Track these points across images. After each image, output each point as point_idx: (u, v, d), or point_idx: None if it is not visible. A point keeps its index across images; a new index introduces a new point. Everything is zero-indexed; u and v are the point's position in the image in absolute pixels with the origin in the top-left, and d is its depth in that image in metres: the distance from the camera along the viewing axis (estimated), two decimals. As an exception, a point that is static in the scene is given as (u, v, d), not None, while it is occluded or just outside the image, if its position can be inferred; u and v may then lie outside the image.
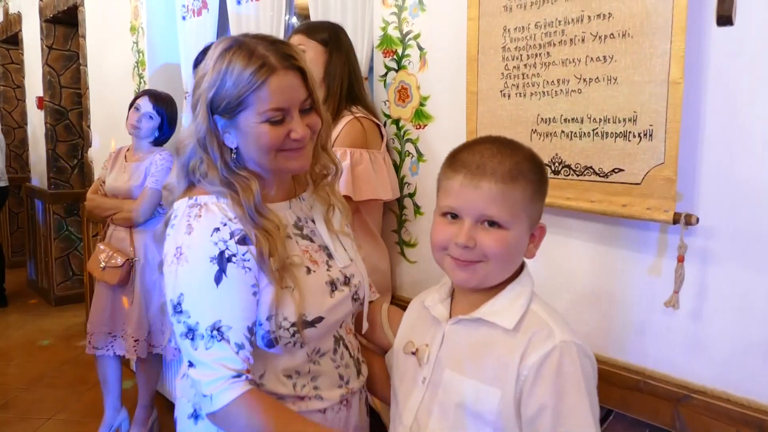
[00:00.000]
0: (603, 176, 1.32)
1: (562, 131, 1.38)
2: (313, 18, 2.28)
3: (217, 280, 1.05)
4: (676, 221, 1.20)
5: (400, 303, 1.86)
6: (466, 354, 1.04)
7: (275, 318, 1.09)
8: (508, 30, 1.47)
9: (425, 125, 1.81)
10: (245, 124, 1.09)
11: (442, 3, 1.71)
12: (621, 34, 1.26)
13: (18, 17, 5.40)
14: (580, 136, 1.35)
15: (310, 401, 1.17)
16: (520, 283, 1.05)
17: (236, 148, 1.13)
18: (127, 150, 2.92)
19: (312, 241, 1.22)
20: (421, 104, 1.81)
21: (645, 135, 1.24)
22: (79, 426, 3.14)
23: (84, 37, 4.08)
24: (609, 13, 1.27)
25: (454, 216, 1.02)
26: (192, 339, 1.06)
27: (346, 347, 1.26)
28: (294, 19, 3.19)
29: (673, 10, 1.17)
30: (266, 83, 1.06)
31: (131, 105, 2.82)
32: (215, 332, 1.05)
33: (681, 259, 1.21)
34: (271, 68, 1.06)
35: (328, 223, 1.26)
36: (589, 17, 1.31)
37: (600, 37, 1.29)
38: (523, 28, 1.44)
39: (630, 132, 1.26)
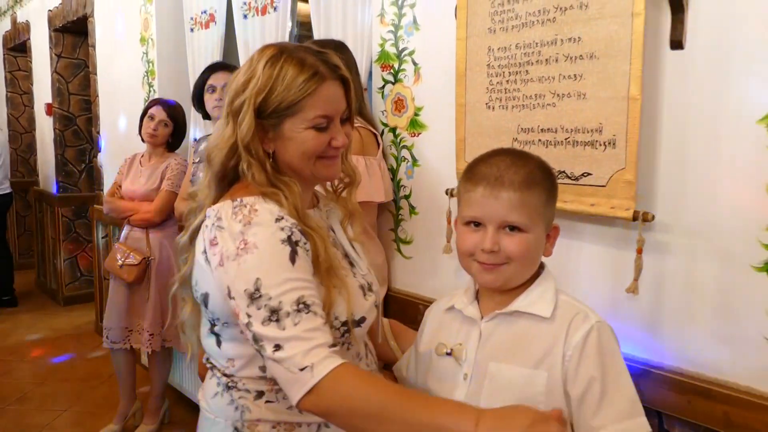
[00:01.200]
0: (574, 179, 1.50)
1: (539, 140, 1.57)
2: (316, 34, 2.47)
3: (292, 259, 1.05)
4: (635, 218, 1.38)
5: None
6: (509, 345, 1.10)
7: (328, 318, 1.08)
8: (492, 50, 1.66)
9: (419, 133, 2.00)
10: (290, 129, 1.13)
11: (434, 24, 1.89)
12: (589, 55, 1.44)
13: (26, 26, 5.58)
14: (555, 145, 1.53)
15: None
16: (546, 278, 1.15)
17: (272, 153, 1.16)
18: (142, 156, 3.10)
19: (337, 248, 1.23)
20: (416, 114, 2.00)
21: (609, 144, 1.42)
22: (93, 417, 3.31)
23: (93, 46, 4.26)
24: (579, 37, 1.46)
25: (477, 224, 1.10)
26: (277, 320, 1.00)
27: (370, 352, 1.28)
28: (296, 30, 3.37)
29: (632, 36, 1.35)
30: (318, 90, 1.11)
31: (144, 114, 3.00)
32: (301, 305, 1.02)
33: (639, 251, 1.40)
34: (322, 77, 1.11)
35: (345, 231, 1.30)
36: (562, 40, 1.49)
37: (571, 58, 1.48)
38: (505, 48, 1.63)
39: (597, 141, 1.44)
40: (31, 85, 5.79)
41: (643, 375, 1.44)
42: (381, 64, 2.10)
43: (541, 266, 1.18)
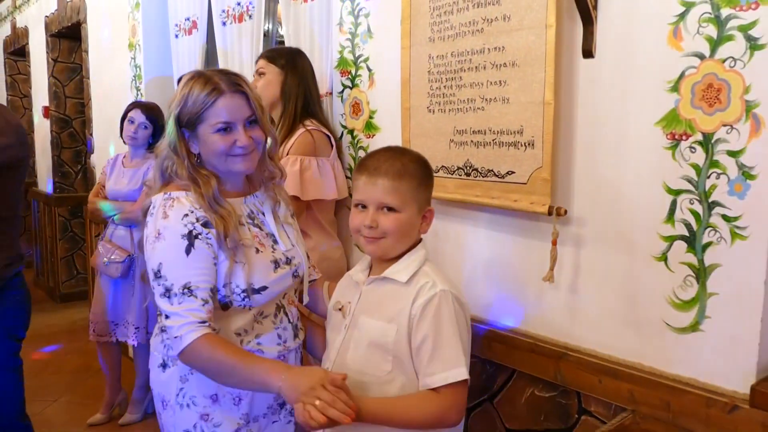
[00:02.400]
0: (501, 177, 1.63)
1: (471, 141, 1.69)
2: (287, 41, 2.60)
3: (187, 251, 1.36)
4: (550, 213, 1.51)
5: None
6: (375, 303, 1.41)
7: (229, 285, 1.41)
8: (432, 57, 1.79)
9: (374, 135, 2.13)
10: (202, 134, 1.43)
11: (385, 32, 2.02)
12: (511, 63, 1.57)
13: (25, 31, 5.75)
14: (484, 145, 1.66)
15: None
16: (415, 252, 1.43)
17: (198, 154, 1.47)
18: (124, 157, 3.23)
19: (261, 229, 1.53)
20: (371, 117, 2.13)
21: (529, 144, 1.55)
22: (81, 407, 3.46)
23: (87, 51, 4.41)
24: (503, 47, 1.58)
25: (363, 207, 1.39)
26: (168, 297, 1.35)
27: (286, 314, 1.56)
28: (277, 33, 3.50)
29: (546, 45, 1.48)
30: (216, 102, 1.40)
31: (124, 117, 3.15)
32: (186, 290, 1.35)
33: (554, 243, 1.52)
34: (220, 91, 1.40)
35: (275, 215, 1.57)
36: (489, 49, 1.62)
37: (497, 66, 1.60)
38: (442, 56, 1.75)
39: (518, 142, 1.57)
40: (30, 88, 5.95)
41: (563, 358, 1.57)
42: (340, 69, 2.23)
43: (418, 242, 1.45)
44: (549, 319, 1.63)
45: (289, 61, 2.15)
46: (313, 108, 2.15)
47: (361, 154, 2.18)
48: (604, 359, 1.50)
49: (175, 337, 1.34)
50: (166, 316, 1.36)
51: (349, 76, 2.19)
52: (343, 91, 2.23)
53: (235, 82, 1.43)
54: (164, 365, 1.50)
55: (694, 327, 1.34)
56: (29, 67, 5.87)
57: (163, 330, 1.49)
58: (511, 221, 1.68)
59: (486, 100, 1.64)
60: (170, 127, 1.44)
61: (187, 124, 1.43)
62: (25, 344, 4.18)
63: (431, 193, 1.46)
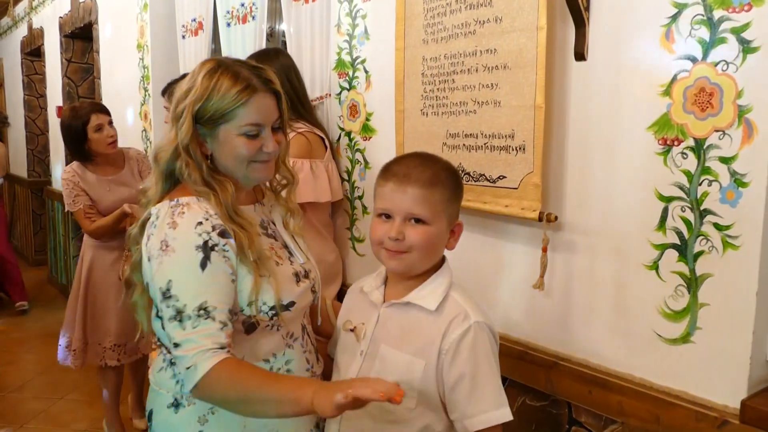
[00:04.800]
0: (492, 182, 1.60)
1: (464, 144, 1.66)
2: (289, 42, 2.59)
3: (203, 265, 1.16)
4: (540, 219, 1.47)
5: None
6: (398, 331, 1.24)
7: (255, 303, 1.22)
8: (426, 59, 1.76)
9: (370, 137, 2.10)
10: (224, 135, 1.24)
11: (381, 33, 2.00)
12: (503, 66, 1.54)
13: (40, 32, 5.81)
14: (476, 149, 1.63)
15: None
16: (441, 274, 1.27)
17: (211, 155, 1.27)
18: (83, 171, 2.99)
19: (275, 239, 1.36)
20: (367, 119, 2.10)
21: (520, 149, 1.51)
22: (85, 405, 3.49)
23: (98, 52, 4.45)
24: (495, 49, 1.55)
25: (387, 216, 1.23)
26: (180, 321, 1.14)
27: (308, 335, 1.40)
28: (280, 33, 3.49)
29: (537, 48, 1.45)
30: (249, 101, 1.22)
31: (78, 131, 2.91)
32: (202, 311, 1.14)
33: (544, 250, 1.49)
34: (254, 89, 1.23)
35: (286, 225, 1.41)
36: (481, 51, 1.59)
37: (488, 68, 1.57)
38: (436, 58, 1.73)
39: (510, 146, 1.54)
40: (45, 88, 6.02)
41: (553, 367, 1.53)
42: (338, 71, 2.21)
43: (443, 260, 1.29)
44: (540, 326, 1.60)
45: (265, 62, 2.13)
46: (302, 108, 2.12)
47: (358, 156, 2.16)
48: (594, 369, 1.46)
49: (188, 368, 1.12)
50: (176, 345, 1.15)
51: (347, 78, 2.17)
52: (340, 93, 2.21)
53: (267, 79, 1.26)
54: (176, 404, 1.28)
55: (685, 338, 1.30)
56: (44, 67, 5.93)
57: (173, 363, 1.28)
58: (503, 226, 1.65)
59: (478, 103, 1.61)
60: (185, 123, 1.23)
61: (207, 121, 1.23)
62: (36, 341, 4.21)
63: (460, 206, 1.30)
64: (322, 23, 2.39)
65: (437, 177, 1.22)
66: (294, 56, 2.54)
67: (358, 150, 2.16)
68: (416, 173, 1.21)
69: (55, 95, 5.62)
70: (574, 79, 1.47)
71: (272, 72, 1.30)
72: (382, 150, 2.05)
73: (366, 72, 2.09)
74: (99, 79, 4.49)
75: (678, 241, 1.30)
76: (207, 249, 1.18)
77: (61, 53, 5.28)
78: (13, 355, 4.29)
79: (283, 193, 1.43)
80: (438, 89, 1.73)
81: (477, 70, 1.60)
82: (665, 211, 1.31)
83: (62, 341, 3.07)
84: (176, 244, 1.18)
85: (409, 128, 1.84)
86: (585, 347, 1.50)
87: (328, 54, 2.29)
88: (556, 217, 1.47)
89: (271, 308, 1.24)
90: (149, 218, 1.26)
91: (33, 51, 6.28)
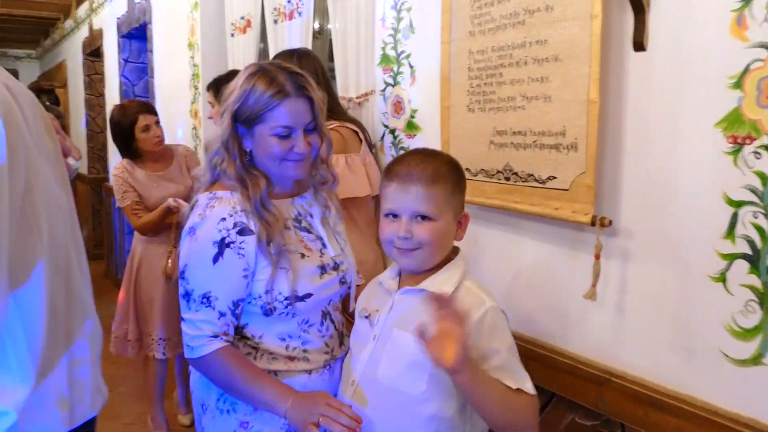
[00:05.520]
0: (541, 183, 1.49)
1: (511, 142, 1.56)
2: (334, 38, 2.53)
3: (215, 260, 1.30)
4: (593, 223, 1.36)
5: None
6: (411, 316, 1.25)
7: (272, 292, 1.34)
8: (472, 53, 1.66)
9: (415, 135, 2.02)
10: (259, 134, 1.35)
11: (427, 26, 1.91)
12: (554, 58, 1.43)
13: (99, 33, 5.96)
14: (525, 147, 1.52)
15: (299, 362, 1.40)
16: (455, 264, 1.30)
17: (250, 152, 1.39)
18: (134, 167, 3.02)
19: (309, 232, 1.45)
20: (412, 116, 2.02)
21: (571, 147, 1.40)
22: (133, 398, 3.52)
23: (152, 51, 4.51)
24: (545, 40, 1.44)
25: (395, 216, 1.27)
26: (187, 301, 1.33)
27: (332, 321, 1.49)
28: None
29: (591, 38, 1.33)
30: (280, 105, 1.32)
31: (126, 130, 2.95)
32: (204, 300, 1.31)
33: (597, 257, 1.37)
34: (285, 93, 1.32)
35: (324, 220, 1.49)
36: (530, 43, 1.48)
37: (538, 61, 1.47)
38: (483, 51, 1.63)
39: (560, 144, 1.43)
40: (104, 87, 6.17)
41: (605, 384, 1.42)
42: (382, 66, 2.14)
43: (456, 252, 1.33)
44: (592, 339, 1.48)
45: (296, 63, 2.08)
46: (331, 105, 2.05)
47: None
48: (651, 389, 1.34)
49: (187, 345, 1.34)
50: (182, 319, 1.35)
51: (391, 73, 2.09)
52: (385, 89, 2.14)
53: (301, 85, 1.34)
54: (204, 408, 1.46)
55: (756, 360, 1.17)
56: (103, 67, 6.08)
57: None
58: (553, 230, 1.53)
59: (527, 98, 1.50)
60: (225, 121, 1.36)
61: (245, 121, 1.35)
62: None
63: (464, 197, 1.32)
64: (368, 18, 2.32)
65: (438, 172, 1.25)
66: (339, 52, 2.50)
67: (402, 148, 2.08)
68: (418, 171, 1.24)
69: (113, 94, 5.74)
70: (632, 72, 1.35)
71: (310, 78, 1.38)
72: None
73: (411, 67, 2.00)
74: (152, 78, 4.55)
75: (749, 251, 1.16)
76: (222, 245, 1.31)
77: (118, 53, 5.39)
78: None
79: (324, 191, 1.51)
80: (485, 84, 1.63)
81: (526, 63, 1.50)
82: (735, 217, 1.18)
83: (116, 332, 3.11)
84: (199, 234, 1.32)
85: (455, 125, 1.75)
86: (641, 364, 1.38)
87: (372, 49, 2.21)
88: (610, 222, 1.35)
89: (286, 298, 1.34)
90: (195, 203, 1.40)
91: (93, 51, 6.44)
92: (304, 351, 1.41)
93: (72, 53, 7.45)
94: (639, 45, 1.32)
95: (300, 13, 2.83)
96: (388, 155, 2.15)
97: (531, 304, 1.62)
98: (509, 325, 1.27)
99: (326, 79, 2.12)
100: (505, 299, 1.64)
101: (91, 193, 7.04)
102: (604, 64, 1.33)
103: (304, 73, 1.38)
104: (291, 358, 1.40)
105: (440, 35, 1.76)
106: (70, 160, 4.95)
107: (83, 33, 6.68)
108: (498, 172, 1.61)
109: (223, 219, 1.32)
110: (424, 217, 1.23)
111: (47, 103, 6.15)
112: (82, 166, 7.33)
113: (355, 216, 2.01)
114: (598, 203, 1.38)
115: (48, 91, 8.41)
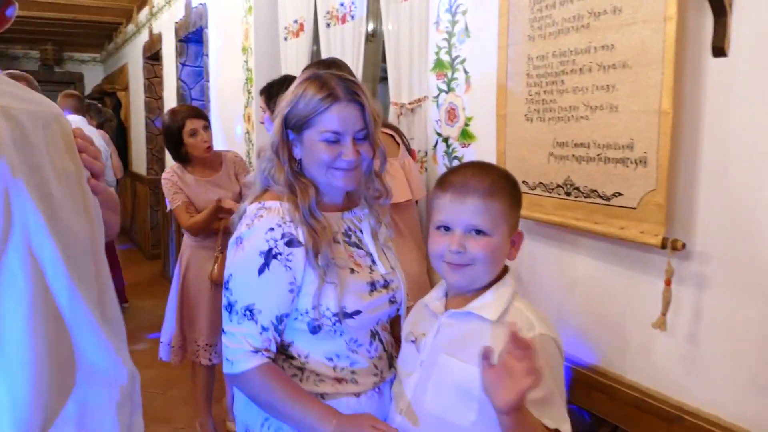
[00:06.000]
0: (606, 199, 1.38)
1: (573, 155, 1.45)
2: (387, 42, 2.46)
3: (260, 271, 1.25)
4: (664, 246, 1.24)
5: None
6: (458, 341, 1.20)
7: (319, 308, 1.28)
8: (532, 58, 1.56)
9: (469, 144, 1.93)
10: (308, 140, 1.30)
11: (483, 30, 1.81)
12: (621, 64, 1.31)
13: (159, 37, 6.07)
14: (587, 161, 1.41)
15: (347, 384, 1.33)
16: (504, 284, 1.22)
17: (300, 160, 1.34)
18: (183, 173, 3.02)
19: (359, 247, 1.39)
20: (466, 124, 1.93)
21: (640, 162, 1.29)
22: (184, 402, 3.54)
23: (207, 55, 4.54)
24: (612, 44, 1.33)
25: (447, 228, 1.20)
26: (229, 312, 1.28)
27: (381, 342, 1.41)
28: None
29: (664, 42, 1.22)
30: (329, 109, 1.27)
31: (174, 135, 2.94)
32: (247, 312, 1.26)
33: (668, 283, 1.25)
34: (335, 97, 1.27)
35: (375, 236, 1.43)
36: (595, 48, 1.37)
37: (604, 67, 1.36)
38: (543, 56, 1.52)
39: (628, 158, 1.31)
40: (163, 90, 6.29)
41: (677, 421, 1.30)
42: (436, 72, 2.05)
43: (505, 271, 1.25)
44: (661, 371, 1.36)
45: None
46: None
47: (456, 164, 1.98)
48: (726, 429, 1.21)
49: (227, 359, 1.29)
50: (224, 331, 1.30)
51: (445, 79, 2.01)
52: (438, 96, 2.05)
53: (352, 91, 1.29)
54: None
55: None
56: (162, 70, 6.19)
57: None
58: (618, 250, 1.42)
59: (590, 107, 1.39)
60: (276, 127, 1.33)
61: (294, 126, 1.31)
62: (144, 335, 4.28)
63: (520, 215, 1.25)
64: (421, 21, 2.24)
65: (496, 186, 1.19)
66: (391, 56, 2.43)
67: (456, 157, 1.99)
68: (474, 183, 1.19)
69: (170, 98, 5.84)
70: (710, 79, 1.22)
71: (364, 87, 1.33)
72: (481, 158, 1.85)
73: (466, 72, 1.91)
74: (207, 81, 4.58)
75: None
76: (269, 256, 1.25)
77: (176, 57, 5.47)
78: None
79: (377, 207, 1.44)
80: (545, 92, 1.53)
81: (590, 70, 1.39)
82: (830, 243, 1.05)
83: (162, 337, 3.13)
84: (246, 244, 1.28)
85: (512, 135, 1.65)
86: (717, 400, 1.25)
87: (426, 54, 2.13)
88: (683, 245, 1.23)
89: (334, 314, 1.28)
90: (244, 212, 1.36)
91: (153, 55, 6.58)
92: (353, 372, 1.34)
93: (133, 57, 7.64)
94: (719, 50, 1.19)
95: (353, 16, 2.78)
96: (440, 165, 2.06)
97: (591, 329, 1.51)
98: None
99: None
100: (561, 321, 1.54)
101: (150, 193, 7.20)
102: (678, 72, 1.22)
103: (358, 81, 1.33)
104: (339, 380, 1.33)
105: (497, 40, 1.66)
106: (108, 178, 5.04)
107: (144, 37, 6.83)
108: (558, 186, 1.50)
109: (271, 229, 1.27)
110: (478, 232, 1.17)
111: (98, 106, 6.27)
112: (141, 167, 7.51)
113: (398, 222, 1.92)
114: (670, 224, 1.26)
115: (110, 93, 8.66)
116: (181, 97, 5.49)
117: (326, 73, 1.33)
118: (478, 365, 1.10)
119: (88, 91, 10.08)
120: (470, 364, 1.12)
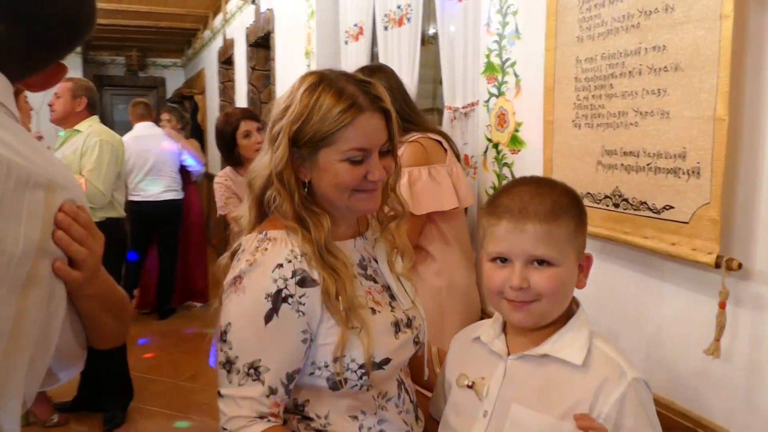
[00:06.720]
0: (656, 212, 1.28)
1: (622, 164, 1.36)
2: (441, 45, 2.41)
3: (267, 318, 1.03)
4: (717, 265, 1.13)
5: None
6: (535, 389, 1.02)
7: (341, 360, 1.07)
8: (580, 61, 1.47)
9: (519, 150, 1.85)
10: (325, 161, 1.08)
11: (532, 31, 1.73)
12: (673, 67, 1.22)
13: (231, 42, 6.24)
14: (637, 170, 1.32)
15: None
16: (579, 318, 1.05)
17: (308, 183, 1.12)
18: (234, 175, 3.04)
19: (375, 281, 1.19)
20: (516, 130, 1.85)
21: (693, 172, 1.18)
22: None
23: (274, 60, 4.62)
24: (663, 45, 1.24)
25: (504, 260, 1.02)
26: (228, 371, 1.04)
27: (407, 391, 1.21)
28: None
29: (719, 43, 1.11)
30: (354, 122, 1.06)
31: (229, 137, 2.95)
32: (252, 371, 1.03)
33: (722, 306, 1.14)
34: (359, 108, 1.07)
35: (391, 264, 1.22)
36: (645, 49, 1.28)
37: (655, 70, 1.26)
38: (591, 59, 1.44)
39: (680, 168, 1.21)
40: (234, 94, 6.45)
41: (731, 454, 1.18)
42: (487, 75, 1.98)
43: (575, 303, 1.06)
44: (716, 400, 1.24)
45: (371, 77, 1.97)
46: (410, 118, 1.93)
47: (506, 171, 1.91)
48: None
49: (223, 429, 1.05)
50: (220, 396, 1.06)
51: (496, 83, 1.93)
52: (489, 100, 1.98)
53: (375, 96, 1.10)
54: None
55: None
56: (234, 74, 6.35)
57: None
58: (670, 267, 1.31)
59: (640, 113, 1.30)
60: (281, 147, 1.08)
61: (306, 144, 1.08)
62: (213, 336, 4.35)
63: (586, 235, 1.06)
64: (475, 23, 2.17)
65: (559, 206, 1.00)
66: (446, 59, 2.37)
67: (505, 164, 1.91)
68: (534, 205, 0.99)
69: (241, 101, 5.98)
70: (773, 83, 1.11)
71: (382, 86, 1.13)
72: (531, 165, 1.79)
73: (516, 76, 1.83)
74: (274, 86, 4.66)
75: None
76: (278, 300, 1.03)
77: (246, 61, 5.60)
78: (192, 344, 4.60)
79: (392, 227, 1.23)
80: (593, 96, 1.44)
81: (640, 73, 1.29)
82: None
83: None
84: (248, 285, 1.05)
85: (559, 142, 1.57)
86: (778, 437, 1.13)
87: (477, 57, 2.06)
88: (740, 265, 1.12)
89: (360, 366, 1.07)
90: (239, 249, 1.13)
91: (226, 60, 6.76)
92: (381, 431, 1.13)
93: (209, 62, 7.88)
94: (782, 50, 1.08)
95: (409, 19, 2.74)
96: (490, 172, 1.99)
97: (641, 350, 1.41)
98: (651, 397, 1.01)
99: (402, 92, 1.98)
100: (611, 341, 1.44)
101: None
102: (735, 75, 1.11)
103: (372, 80, 1.14)
104: None
105: (544, 41, 1.58)
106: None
107: (218, 42, 7.03)
108: (606, 197, 1.41)
109: (280, 266, 1.05)
110: (541, 262, 0.99)
111: (173, 106, 6.49)
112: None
113: (445, 231, 1.86)
114: (725, 241, 1.15)
115: (188, 97, 8.97)
116: (250, 100, 5.61)
117: (335, 74, 1.11)
118: (565, 420, 0.97)
119: (169, 94, 10.49)
120: (554, 417, 0.98)
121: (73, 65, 9.05)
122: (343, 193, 1.09)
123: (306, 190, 1.11)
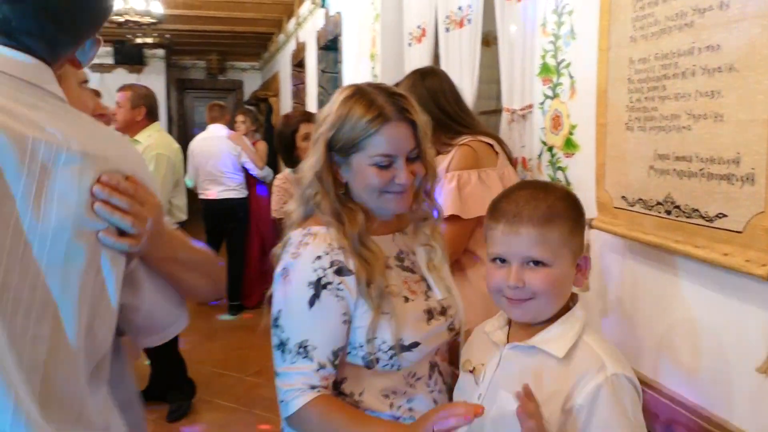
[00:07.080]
0: (708, 220, 1.21)
1: (674, 169, 1.30)
2: (500, 46, 2.37)
3: (311, 303, 1.17)
4: (772, 278, 1.07)
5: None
6: (519, 377, 1.09)
7: (373, 341, 1.20)
8: (633, 61, 1.42)
9: (573, 154, 1.80)
10: (357, 164, 1.23)
11: (587, 31, 1.68)
12: (728, 67, 1.15)
13: (303, 45, 6.37)
14: (689, 176, 1.26)
15: (405, 423, 1.23)
16: (573, 315, 1.13)
17: (347, 183, 1.27)
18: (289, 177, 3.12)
19: (413, 272, 1.31)
20: (570, 133, 1.80)
21: (747, 179, 1.12)
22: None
23: (341, 62, 4.68)
24: (717, 45, 1.17)
25: (503, 261, 1.12)
26: (282, 351, 1.19)
27: (441, 374, 1.33)
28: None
29: (776, 41, 1.04)
30: (380, 131, 1.19)
31: (301, 135, 3.00)
32: (301, 349, 1.17)
33: (775, 321, 1.07)
34: (386, 118, 1.19)
35: (429, 260, 1.35)
36: (699, 49, 1.21)
37: (708, 71, 1.20)
38: (644, 59, 1.38)
39: (733, 175, 1.15)
40: (306, 97, 6.58)
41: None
42: (542, 77, 1.94)
43: (573, 300, 1.16)
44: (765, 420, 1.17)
45: (413, 84, 1.95)
46: (455, 127, 1.93)
47: (560, 175, 1.86)
48: None
49: (281, 401, 1.20)
50: (276, 374, 1.21)
51: (551, 85, 1.89)
52: (544, 102, 1.93)
53: (403, 108, 1.22)
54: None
55: None
56: (306, 77, 6.48)
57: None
58: (723, 278, 1.24)
59: (693, 116, 1.24)
60: (318, 150, 1.24)
61: (341, 149, 1.23)
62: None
63: (584, 236, 1.14)
64: (533, 24, 2.13)
65: (553, 210, 1.10)
66: (504, 60, 2.34)
67: (559, 168, 1.86)
68: (529, 210, 1.10)
69: (312, 103, 6.09)
70: (837, 83, 1.03)
71: (412, 100, 1.26)
72: (585, 169, 1.73)
73: (571, 77, 1.78)
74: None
75: None
76: (319, 287, 1.18)
77: (316, 64, 5.70)
78: (257, 339, 4.72)
79: (427, 228, 1.36)
80: (646, 98, 1.38)
81: (693, 74, 1.23)
82: None
83: None
84: (293, 276, 1.20)
85: (611, 146, 1.51)
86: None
87: (533, 58, 2.02)
88: (795, 278, 1.05)
89: (390, 348, 1.21)
90: (288, 241, 1.28)
91: (299, 63, 6.90)
92: (410, 410, 1.25)
93: (283, 65, 8.08)
94: None
95: (470, 20, 2.71)
96: (545, 175, 1.94)
97: (692, 363, 1.34)
98: (639, 393, 1.06)
99: (455, 94, 1.99)
100: (662, 352, 1.38)
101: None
102: (793, 75, 1.04)
103: (406, 94, 1.26)
104: (396, 418, 1.24)
105: (597, 41, 1.53)
106: (255, 171, 5.22)
107: (291, 46, 7.19)
108: (658, 203, 1.35)
109: (319, 257, 1.19)
110: (537, 263, 1.08)
111: (248, 108, 6.70)
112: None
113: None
114: (781, 252, 1.08)
115: (263, 99, 9.23)
116: (320, 103, 5.70)
117: (370, 88, 1.24)
118: (542, 407, 1.03)
119: (246, 97, 10.83)
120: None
121: (157, 69, 9.52)
122: (373, 193, 1.24)
123: (344, 190, 1.27)
